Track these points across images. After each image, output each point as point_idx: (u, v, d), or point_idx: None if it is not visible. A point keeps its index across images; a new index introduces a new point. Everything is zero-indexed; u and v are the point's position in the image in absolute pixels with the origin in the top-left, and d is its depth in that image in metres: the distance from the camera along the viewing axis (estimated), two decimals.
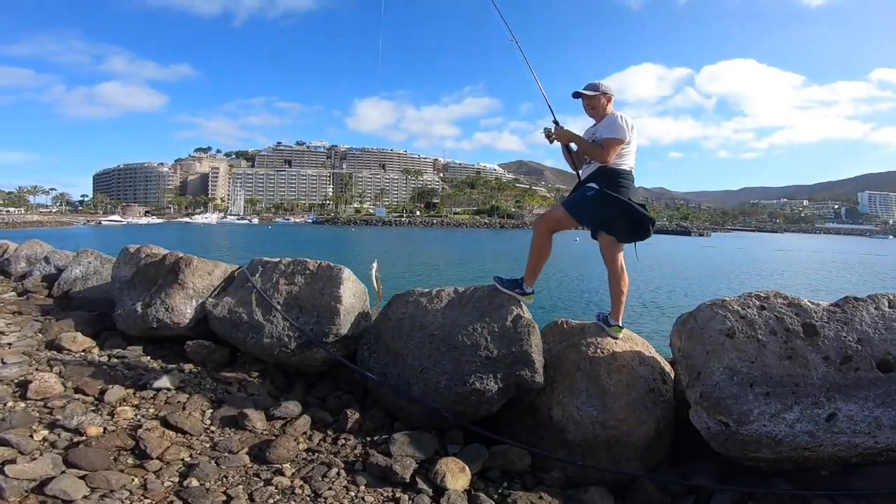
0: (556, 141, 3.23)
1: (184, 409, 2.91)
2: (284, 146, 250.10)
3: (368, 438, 2.78)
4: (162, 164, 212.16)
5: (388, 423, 3.02)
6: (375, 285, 3.69)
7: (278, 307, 3.64)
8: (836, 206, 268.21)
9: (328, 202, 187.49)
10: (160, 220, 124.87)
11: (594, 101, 3.10)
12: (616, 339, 3.03)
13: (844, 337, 2.36)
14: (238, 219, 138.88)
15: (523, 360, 2.82)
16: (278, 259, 3.97)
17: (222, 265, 4.31)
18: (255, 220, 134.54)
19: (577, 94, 3.13)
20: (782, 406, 2.26)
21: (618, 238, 3.06)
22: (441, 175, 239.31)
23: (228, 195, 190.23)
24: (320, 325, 3.51)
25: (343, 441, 2.75)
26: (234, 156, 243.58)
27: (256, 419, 2.81)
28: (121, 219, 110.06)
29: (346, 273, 3.66)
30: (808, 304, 2.50)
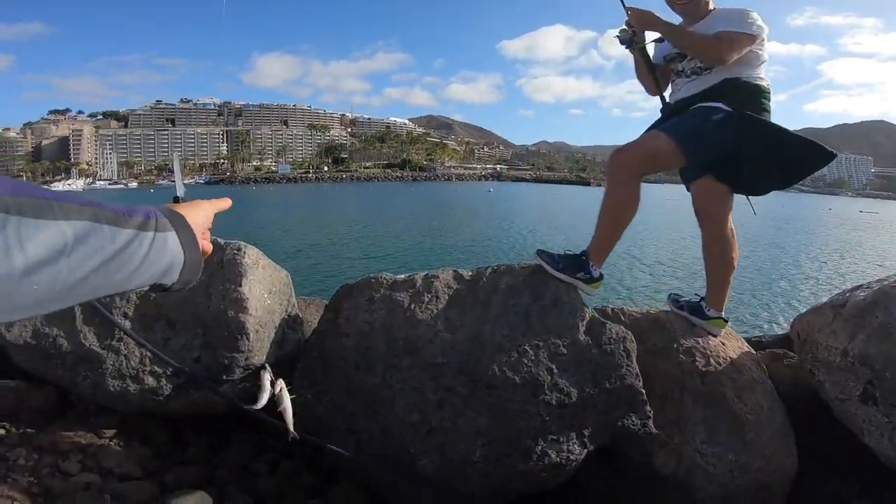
0: (635, 42, 2.03)
1: None
2: (166, 104, 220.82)
3: None
4: (7, 129, 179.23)
5: None
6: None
7: (123, 324, 1.95)
8: None
9: (223, 161, 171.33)
10: None
11: None
12: (716, 336, 1.99)
13: None
14: (111, 184, 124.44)
15: (627, 399, 1.62)
16: None
17: None
18: (134, 185, 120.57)
19: None
20: None
21: (742, 186, 1.97)
22: (349, 130, 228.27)
23: (97, 159, 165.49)
24: (212, 352, 1.94)
25: None
26: (100, 116, 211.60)
27: None
28: None
29: (251, 255, 2.04)
30: None
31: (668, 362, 1.86)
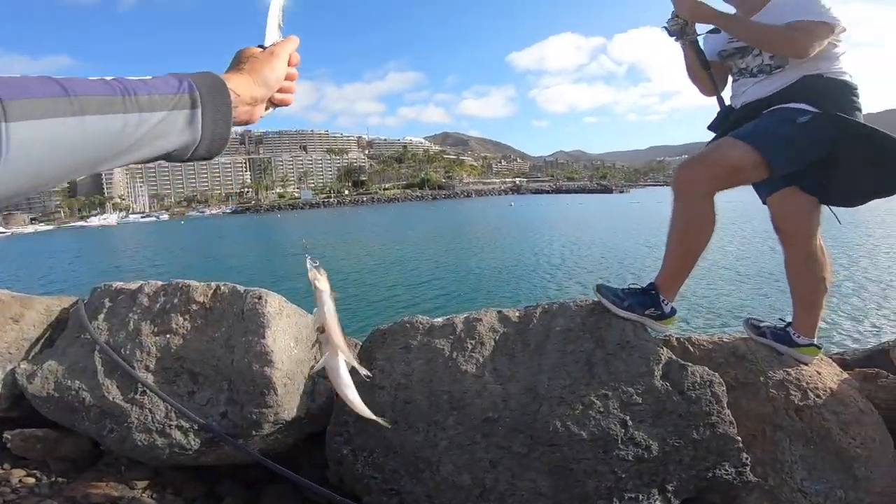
0: (686, 35, 1.79)
1: None
2: None
3: None
4: None
5: None
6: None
7: (146, 378, 1.82)
8: None
9: (247, 190, 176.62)
10: (50, 227, 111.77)
11: None
12: (808, 364, 1.73)
13: None
14: (143, 217, 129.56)
15: (719, 448, 1.34)
16: (138, 284, 2.08)
17: (39, 302, 2.34)
18: (165, 216, 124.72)
19: None
20: None
21: (833, 197, 1.70)
22: (367, 152, 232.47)
23: (129, 192, 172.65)
24: (240, 407, 1.78)
25: None
26: None
27: None
28: (3, 230, 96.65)
29: (273, 303, 1.88)
30: None
31: (755, 399, 1.61)
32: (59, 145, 0.38)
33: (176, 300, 1.97)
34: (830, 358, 2.07)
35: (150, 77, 0.47)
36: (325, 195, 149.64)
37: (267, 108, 0.63)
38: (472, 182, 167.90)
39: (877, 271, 10.33)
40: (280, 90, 0.63)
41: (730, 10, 1.79)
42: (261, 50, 0.61)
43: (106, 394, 1.91)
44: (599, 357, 1.50)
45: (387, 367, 1.65)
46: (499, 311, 1.71)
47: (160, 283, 2.10)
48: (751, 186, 1.75)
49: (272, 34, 0.63)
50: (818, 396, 1.60)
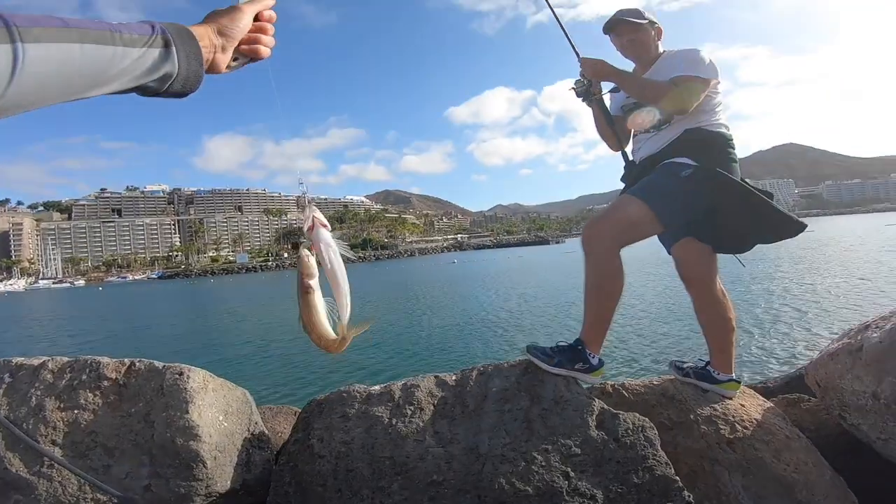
0: (593, 94, 1.96)
1: None
2: (111, 193, 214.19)
3: None
4: None
5: None
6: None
7: (52, 451, 1.61)
8: None
9: (176, 253, 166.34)
10: None
11: (641, 33, 1.91)
12: (732, 398, 1.85)
13: None
14: (55, 282, 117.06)
15: (661, 489, 1.42)
16: (41, 360, 1.88)
17: None
18: (81, 282, 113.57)
19: (613, 25, 1.93)
20: None
21: (724, 245, 1.85)
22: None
23: (39, 256, 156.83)
24: (165, 481, 1.64)
25: None
26: (41, 207, 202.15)
27: None
28: None
29: (196, 378, 1.77)
30: None
31: (689, 437, 1.69)
32: (62, 66, 0.45)
33: (84, 377, 1.79)
34: (754, 388, 2.22)
35: (127, 22, 0.54)
36: (262, 258, 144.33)
37: (236, 59, 0.68)
38: (414, 241, 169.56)
39: (791, 300, 11.42)
40: (247, 41, 0.68)
41: (630, 65, 1.97)
42: (238, 6, 0.68)
43: (8, 466, 1.70)
44: (536, 413, 1.52)
45: (325, 436, 1.58)
46: (436, 376, 1.71)
47: (66, 358, 1.91)
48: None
49: None
50: (745, 428, 1.70)
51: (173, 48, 0.56)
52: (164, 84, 0.57)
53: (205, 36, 0.62)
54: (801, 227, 1.75)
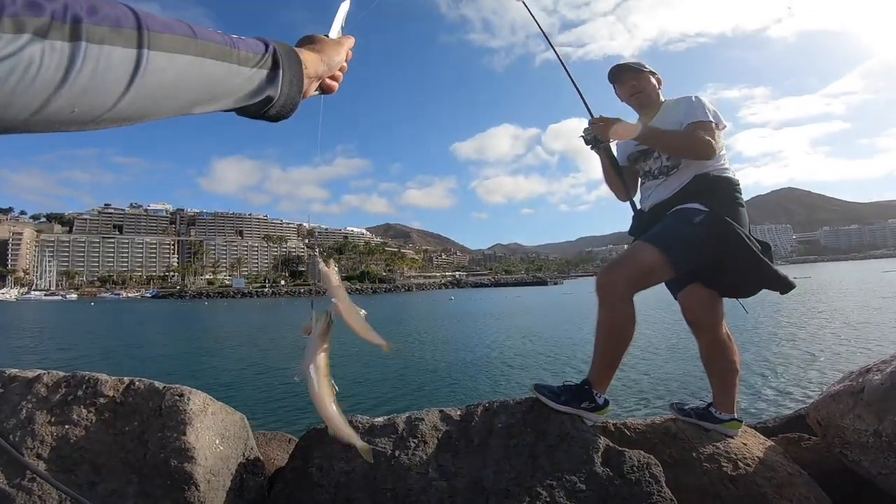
0: (602, 144, 2.01)
1: None
2: (114, 209, 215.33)
3: None
4: None
5: None
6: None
7: (35, 464, 1.56)
8: None
9: (172, 273, 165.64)
10: None
11: (642, 81, 2.00)
12: (733, 437, 1.86)
13: None
14: (46, 294, 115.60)
15: None
16: (36, 373, 1.85)
17: None
18: (73, 296, 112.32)
19: (616, 74, 2.02)
20: None
21: (728, 290, 1.87)
22: (307, 241, 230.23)
23: (35, 267, 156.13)
24: (153, 501, 1.57)
25: None
26: (43, 219, 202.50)
27: None
28: None
29: (196, 401, 1.75)
30: None
31: (692, 474, 1.67)
32: (178, 80, 0.42)
33: (80, 392, 1.75)
34: (755, 427, 2.21)
35: (243, 37, 0.51)
36: (259, 284, 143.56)
37: (315, 90, 0.67)
38: (413, 276, 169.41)
39: (788, 345, 11.48)
40: (332, 77, 0.67)
41: (633, 113, 2.04)
42: (327, 37, 0.68)
43: None
44: (542, 449, 1.50)
45: (325, 465, 1.54)
46: (441, 410, 1.69)
47: (62, 373, 1.88)
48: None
49: (335, 30, 0.71)
50: (748, 465, 1.69)
51: (280, 71, 0.53)
52: (263, 108, 0.54)
53: (311, 63, 0.60)
54: (790, 288, 1.78)
